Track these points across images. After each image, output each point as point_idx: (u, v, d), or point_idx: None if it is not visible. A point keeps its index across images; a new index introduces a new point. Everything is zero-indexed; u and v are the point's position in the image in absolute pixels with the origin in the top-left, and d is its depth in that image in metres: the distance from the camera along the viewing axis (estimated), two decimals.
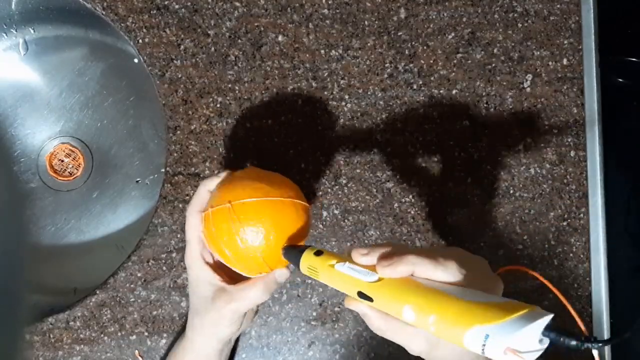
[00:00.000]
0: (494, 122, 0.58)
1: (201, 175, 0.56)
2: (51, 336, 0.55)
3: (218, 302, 0.43)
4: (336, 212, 0.56)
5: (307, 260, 0.38)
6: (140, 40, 0.57)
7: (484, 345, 0.28)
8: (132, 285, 0.55)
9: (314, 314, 0.56)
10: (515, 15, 0.58)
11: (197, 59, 0.57)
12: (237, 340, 0.55)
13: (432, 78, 0.58)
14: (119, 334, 0.55)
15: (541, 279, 0.33)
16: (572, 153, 0.58)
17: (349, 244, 0.56)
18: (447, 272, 0.33)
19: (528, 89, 0.58)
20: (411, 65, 0.58)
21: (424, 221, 0.57)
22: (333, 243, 0.56)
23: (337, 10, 0.57)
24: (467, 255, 0.37)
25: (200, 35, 0.57)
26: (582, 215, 0.57)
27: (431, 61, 0.58)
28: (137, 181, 0.68)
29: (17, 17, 0.64)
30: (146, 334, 0.55)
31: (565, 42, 0.58)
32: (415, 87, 0.57)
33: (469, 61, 0.58)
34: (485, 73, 0.58)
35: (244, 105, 0.57)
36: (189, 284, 0.48)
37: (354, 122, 0.57)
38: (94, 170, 0.68)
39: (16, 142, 0.67)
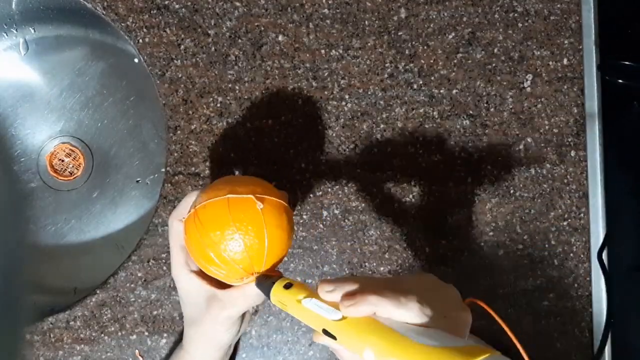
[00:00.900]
0: (494, 122, 0.58)
1: (201, 175, 0.56)
2: (51, 336, 0.55)
3: (212, 310, 0.42)
4: (336, 211, 0.56)
5: (277, 293, 0.38)
6: (141, 40, 0.57)
7: None
8: (132, 285, 0.55)
9: None
10: (516, 15, 0.58)
11: (198, 59, 0.57)
12: (237, 341, 0.55)
13: (432, 78, 0.58)
14: (119, 333, 0.55)
15: (491, 313, 0.34)
16: (573, 153, 0.58)
17: (349, 243, 0.56)
18: (408, 313, 0.32)
19: (528, 89, 0.58)
20: (411, 65, 0.58)
21: (424, 221, 0.57)
22: (333, 243, 0.56)
23: (338, 10, 0.57)
24: (435, 287, 0.37)
25: (200, 35, 0.57)
26: (582, 215, 0.57)
27: (431, 61, 0.58)
28: (138, 181, 0.68)
29: (17, 17, 0.64)
30: (146, 333, 0.55)
31: (566, 42, 0.58)
32: (415, 86, 0.57)
33: (469, 61, 0.58)
34: (486, 73, 0.58)
35: (244, 105, 0.57)
36: (179, 297, 0.46)
37: (354, 121, 0.57)
38: (94, 170, 0.68)
39: (16, 141, 0.67)
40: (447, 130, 0.57)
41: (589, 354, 0.57)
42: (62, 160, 0.68)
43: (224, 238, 0.38)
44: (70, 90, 0.67)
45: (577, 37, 0.58)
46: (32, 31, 0.66)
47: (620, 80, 0.57)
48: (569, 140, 0.58)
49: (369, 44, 0.58)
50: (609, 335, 0.52)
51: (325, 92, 0.57)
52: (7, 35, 0.66)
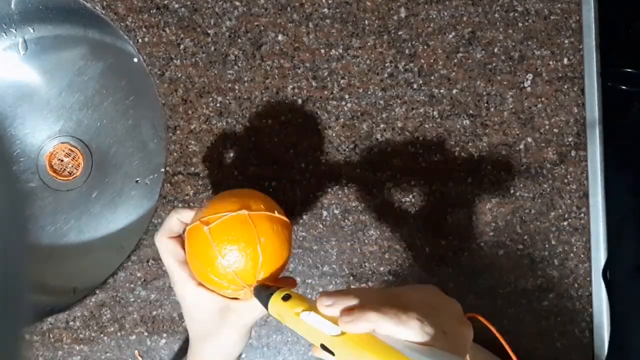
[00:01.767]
0: (494, 122, 0.58)
1: (201, 175, 0.56)
2: (51, 336, 0.55)
3: (229, 320, 0.41)
4: (336, 211, 0.56)
5: (275, 305, 0.37)
6: (140, 40, 0.57)
7: None
8: (131, 285, 0.55)
9: None
10: (516, 14, 0.58)
11: (197, 59, 0.57)
12: None
13: (432, 77, 0.57)
14: (119, 333, 0.55)
15: (492, 328, 0.34)
16: (573, 153, 0.58)
17: (349, 243, 0.56)
18: (409, 332, 0.31)
19: (528, 89, 0.58)
20: (411, 64, 0.57)
21: (424, 221, 0.57)
22: (333, 243, 0.56)
23: (337, 10, 0.57)
24: (436, 301, 0.36)
25: (200, 35, 0.57)
26: (582, 215, 0.57)
27: (431, 60, 0.58)
28: (137, 181, 0.68)
29: (16, 17, 0.64)
30: (146, 334, 0.55)
31: (566, 41, 0.58)
32: (415, 86, 0.57)
33: (470, 60, 0.58)
34: (486, 72, 0.58)
35: (243, 105, 0.57)
36: (185, 315, 0.43)
37: (354, 121, 0.57)
38: (94, 170, 0.68)
39: (16, 141, 0.67)
40: (447, 130, 0.57)
41: (589, 354, 0.57)
42: (62, 160, 0.68)
43: (230, 250, 0.38)
44: (70, 90, 0.67)
45: (578, 36, 0.58)
46: (31, 31, 0.66)
47: (623, 87, 0.57)
48: (569, 140, 0.58)
49: (368, 44, 0.57)
50: (609, 336, 0.52)
51: (325, 92, 0.57)
52: (6, 35, 0.66)
